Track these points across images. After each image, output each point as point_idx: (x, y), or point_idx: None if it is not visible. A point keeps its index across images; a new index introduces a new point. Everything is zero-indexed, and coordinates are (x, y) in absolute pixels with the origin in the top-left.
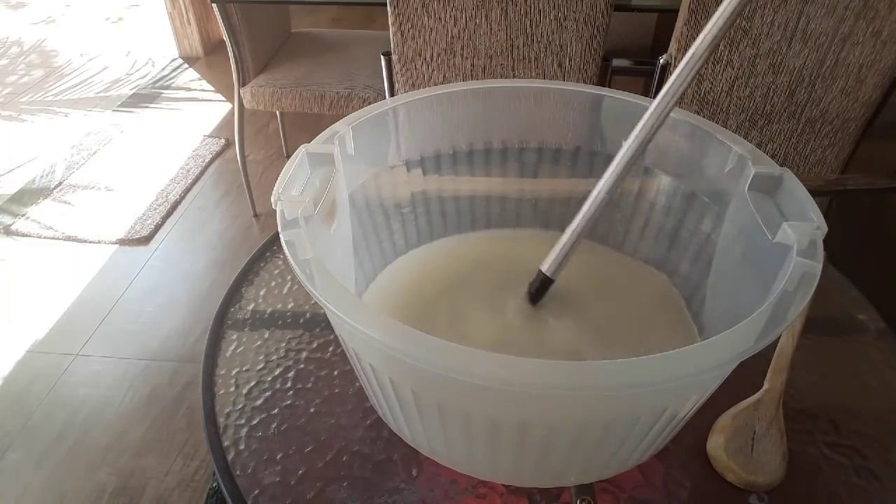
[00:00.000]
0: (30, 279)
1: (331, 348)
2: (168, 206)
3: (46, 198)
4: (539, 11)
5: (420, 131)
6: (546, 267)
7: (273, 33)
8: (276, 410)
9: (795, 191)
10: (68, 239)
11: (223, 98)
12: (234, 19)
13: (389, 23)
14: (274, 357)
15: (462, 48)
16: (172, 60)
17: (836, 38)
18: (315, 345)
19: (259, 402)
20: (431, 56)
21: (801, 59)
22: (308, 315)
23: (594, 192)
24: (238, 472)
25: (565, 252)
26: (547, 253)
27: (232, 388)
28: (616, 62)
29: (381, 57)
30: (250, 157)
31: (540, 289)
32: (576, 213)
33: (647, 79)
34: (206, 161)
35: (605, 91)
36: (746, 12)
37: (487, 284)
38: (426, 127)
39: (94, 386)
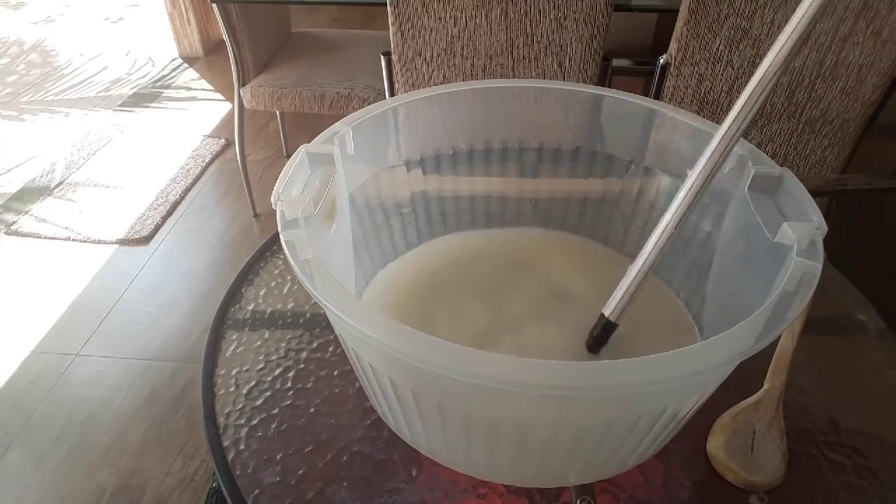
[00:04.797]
0: (30, 279)
1: (331, 348)
2: (168, 206)
3: (47, 197)
4: (539, 11)
5: (420, 131)
6: (609, 311)
7: (273, 33)
8: (276, 410)
9: (795, 191)
10: (68, 239)
11: (223, 98)
12: (234, 19)
13: (389, 23)
14: (274, 357)
15: (462, 48)
16: (172, 60)
17: (836, 38)
18: (315, 345)
19: (259, 402)
20: (431, 56)
21: (801, 59)
22: (308, 315)
23: (659, 230)
24: (238, 472)
25: (630, 294)
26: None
27: (232, 388)
28: (616, 62)
29: (381, 57)
30: (250, 157)
31: (602, 335)
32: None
33: (647, 79)
34: (206, 161)
35: (605, 91)
36: (746, 12)
37: (488, 284)
38: (426, 127)
39: (94, 386)
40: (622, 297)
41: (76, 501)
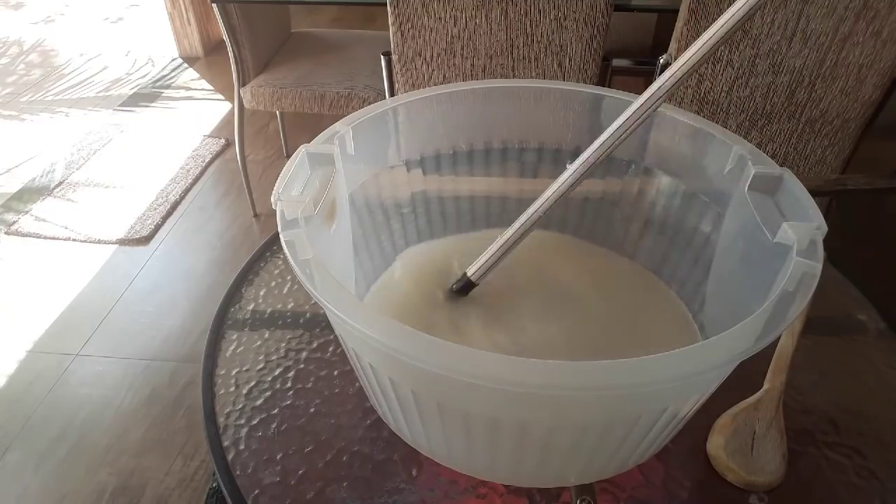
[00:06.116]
0: (30, 279)
1: (331, 348)
2: (168, 206)
3: (47, 197)
4: (539, 11)
5: (420, 131)
6: (472, 272)
7: (273, 33)
8: (276, 410)
9: (795, 191)
10: (68, 239)
11: (223, 98)
12: (234, 19)
13: (389, 23)
14: (274, 357)
15: (462, 48)
16: (172, 60)
17: (836, 38)
18: (315, 345)
19: (259, 402)
20: (431, 56)
21: (801, 59)
22: (308, 315)
23: (532, 209)
24: (238, 472)
25: (493, 261)
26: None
27: (232, 388)
28: (616, 62)
29: (381, 57)
30: (250, 157)
31: (462, 289)
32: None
33: (647, 79)
34: (206, 161)
35: (605, 91)
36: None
37: (487, 284)
38: (426, 127)
39: (94, 386)
40: (487, 261)
41: (76, 501)
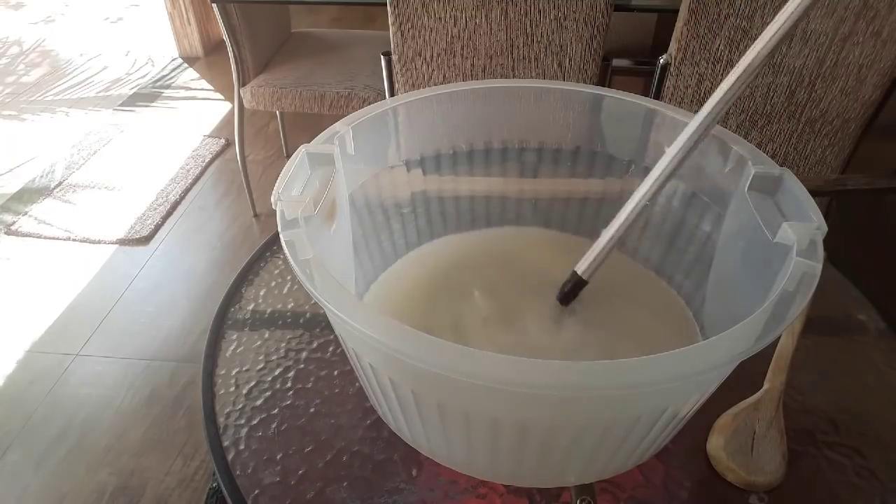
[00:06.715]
0: (30, 279)
1: (331, 348)
2: (168, 206)
3: (47, 197)
4: (539, 11)
5: (420, 131)
6: (582, 269)
7: (273, 33)
8: (276, 410)
9: (795, 191)
10: (68, 239)
11: (223, 98)
12: (234, 19)
13: (389, 23)
14: (274, 357)
15: (462, 48)
16: (172, 60)
17: (836, 38)
18: (315, 345)
19: (259, 402)
20: (431, 56)
21: (801, 59)
22: (308, 315)
23: (634, 198)
24: (238, 472)
25: (603, 256)
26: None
27: (232, 388)
28: (616, 62)
29: (381, 57)
30: (250, 157)
31: (572, 290)
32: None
33: (647, 79)
34: (206, 161)
35: (605, 91)
36: (746, 12)
37: (487, 284)
38: (426, 127)
39: (94, 386)
40: (595, 258)
41: (76, 501)
